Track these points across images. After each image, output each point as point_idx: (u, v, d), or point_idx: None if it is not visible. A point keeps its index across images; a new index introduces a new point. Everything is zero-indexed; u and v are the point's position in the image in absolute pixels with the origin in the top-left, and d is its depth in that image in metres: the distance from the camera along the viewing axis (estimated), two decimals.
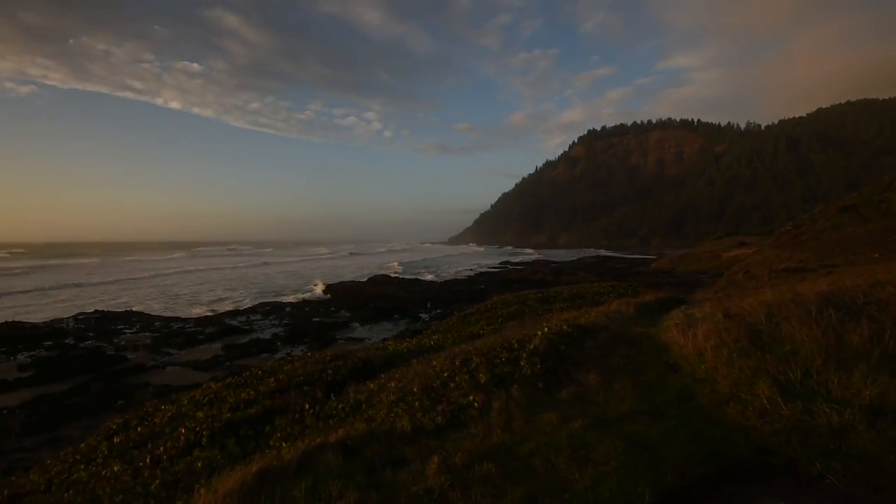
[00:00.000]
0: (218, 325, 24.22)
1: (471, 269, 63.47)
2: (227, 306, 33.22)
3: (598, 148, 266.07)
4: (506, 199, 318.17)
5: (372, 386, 5.95)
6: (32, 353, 19.63)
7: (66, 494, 4.91)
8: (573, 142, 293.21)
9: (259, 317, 27.39)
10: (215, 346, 20.42)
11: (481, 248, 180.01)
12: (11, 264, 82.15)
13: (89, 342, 21.51)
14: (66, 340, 21.72)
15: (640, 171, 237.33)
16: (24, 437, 11.72)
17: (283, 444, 4.36)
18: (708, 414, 4.00)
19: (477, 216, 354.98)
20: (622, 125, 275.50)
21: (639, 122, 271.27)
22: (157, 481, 4.44)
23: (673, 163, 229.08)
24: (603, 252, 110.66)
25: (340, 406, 5.48)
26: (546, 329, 6.57)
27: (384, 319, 26.01)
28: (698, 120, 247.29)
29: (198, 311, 31.46)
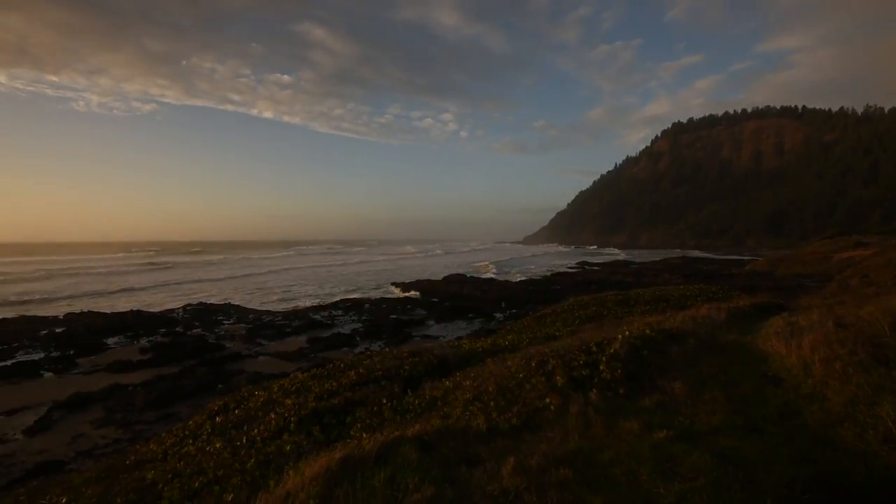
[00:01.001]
0: (303, 319, 25.88)
1: (548, 270, 62.30)
2: (314, 301, 35.47)
3: (683, 141, 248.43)
4: (583, 197, 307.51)
5: (447, 383, 6.04)
6: (151, 338, 22.26)
7: (178, 465, 5.51)
8: (656, 136, 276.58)
9: (340, 312, 28.87)
10: (301, 339, 21.82)
11: (567, 248, 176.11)
12: (155, 259, 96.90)
13: (195, 331, 23.94)
14: (177, 328, 24.36)
15: (733, 164, 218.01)
16: (145, 411, 13.34)
17: (364, 435, 4.56)
18: (816, 434, 3.61)
19: (553, 215, 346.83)
20: (712, 116, 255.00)
21: (731, 111, 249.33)
22: (253, 460, 4.83)
23: (771, 155, 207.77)
24: (692, 252, 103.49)
25: (417, 402, 5.63)
26: (627, 333, 6.28)
27: (459, 318, 26.29)
28: (803, 107, 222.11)
29: (287, 306, 33.92)
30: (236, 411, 7.33)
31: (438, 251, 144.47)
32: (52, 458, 10.66)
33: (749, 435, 3.70)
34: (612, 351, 5.56)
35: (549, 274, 54.39)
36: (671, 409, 4.37)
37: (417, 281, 44.60)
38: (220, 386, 15.22)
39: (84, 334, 22.43)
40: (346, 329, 23.83)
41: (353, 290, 42.89)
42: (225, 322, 26.34)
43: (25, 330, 23.60)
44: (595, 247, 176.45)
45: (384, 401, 5.80)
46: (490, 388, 5.25)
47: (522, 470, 3.45)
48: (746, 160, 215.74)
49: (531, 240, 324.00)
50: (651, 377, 5.10)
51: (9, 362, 18.49)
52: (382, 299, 33.85)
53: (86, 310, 30.08)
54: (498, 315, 27.24)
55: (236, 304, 33.38)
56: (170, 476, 5.09)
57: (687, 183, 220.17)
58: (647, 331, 6.45)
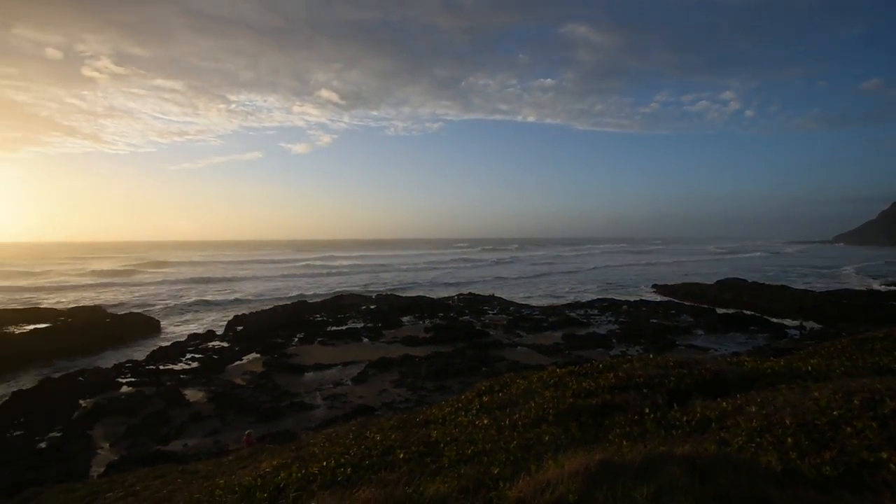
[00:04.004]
0: (559, 316, 26.48)
1: (878, 280, 46.99)
2: (574, 298, 36.09)
3: None
4: None
5: (724, 404, 5.22)
6: (431, 320, 26.58)
7: (454, 431, 6.43)
8: None
9: (596, 312, 28.36)
10: (556, 335, 22.39)
11: None
12: (484, 256, 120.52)
13: (465, 318, 27.39)
14: (451, 314, 28.36)
15: None
16: (426, 380, 16.05)
17: (624, 443, 4.37)
18: None
19: (885, 206, 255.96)
20: None
21: None
22: (515, 442, 5.22)
23: None
24: None
25: (685, 418, 5.06)
26: None
27: (735, 330, 22.45)
28: None
29: (549, 301, 35.57)
30: (500, 394, 8.06)
31: (763, 251, 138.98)
32: (367, 404, 13.95)
33: None
34: None
35: (881, 287, 40.69)
36: None
37: (684, 284, 39.98)
38: (483, 369, 17.03)
39: (387, 312, 28.46)
40: (602, 329, 23.26)
41: (616, 289, 41.88)
42: (489, 312, 29.26)
43: (353, 305, 31.56)
44: None
45: (647, 410, 5.42)
46: (786, 421, 4.29)
47: None
48: None
49: (849, 239, 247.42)
50: None
51: (343, 328, 25.15)
52: (642, 301, 31.69)
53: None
54: (792, 331, 22.06)
55: (499, 296, 36.64)
56: (448, 439, 5.98)
57: None
58: None
